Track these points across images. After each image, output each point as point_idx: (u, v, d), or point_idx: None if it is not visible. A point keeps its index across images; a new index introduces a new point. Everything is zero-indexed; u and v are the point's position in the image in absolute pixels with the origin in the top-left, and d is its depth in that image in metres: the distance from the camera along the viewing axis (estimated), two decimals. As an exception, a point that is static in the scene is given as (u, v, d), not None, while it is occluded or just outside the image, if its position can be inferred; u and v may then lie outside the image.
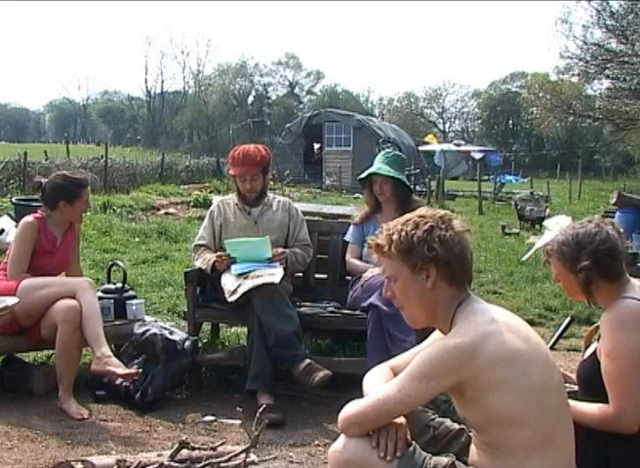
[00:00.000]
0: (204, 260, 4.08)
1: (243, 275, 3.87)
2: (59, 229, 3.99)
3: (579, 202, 22.54)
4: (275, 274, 3.84)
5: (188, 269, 4.19)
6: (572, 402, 2.11)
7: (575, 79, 29.67)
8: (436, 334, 2.07)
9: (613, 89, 25.77)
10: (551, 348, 2.55)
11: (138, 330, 3.93)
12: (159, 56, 78.66)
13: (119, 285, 4.36)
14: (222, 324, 4.76)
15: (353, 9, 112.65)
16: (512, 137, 56.37)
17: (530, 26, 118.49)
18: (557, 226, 3.19)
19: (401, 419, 1.91)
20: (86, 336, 3.61)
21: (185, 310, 4.34)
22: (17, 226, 4.48)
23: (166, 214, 13.38)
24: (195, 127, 59.99)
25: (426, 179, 22.06)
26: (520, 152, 49.12)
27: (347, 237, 4.35)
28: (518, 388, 1.82)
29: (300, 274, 4.47)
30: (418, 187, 20.47)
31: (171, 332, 3.90)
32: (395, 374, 1.98)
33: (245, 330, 4.17)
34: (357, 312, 3.95)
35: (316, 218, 7.17)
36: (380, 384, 1.98)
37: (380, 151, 5.19)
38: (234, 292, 3.80)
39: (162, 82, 61.82)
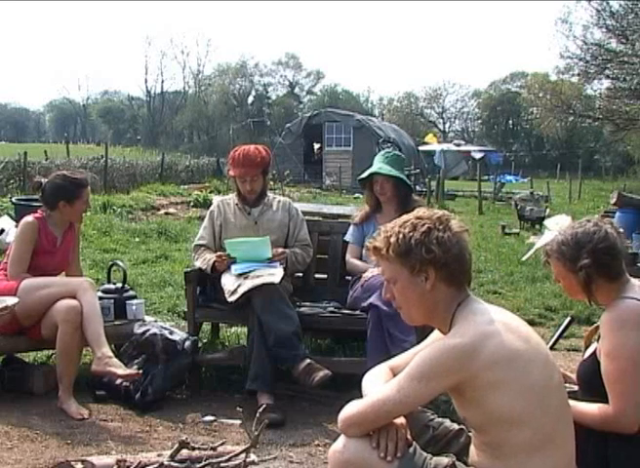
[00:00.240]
0: (204, 260, 4.08)
1: (243, 275, 3.87)
2: (59, 229, 3.99)
3: (579, 202, 22.54)
4: (275, 274, 3.84)
5: (188, 269, 4.19)
6: (572, 402, 2.11)
7: (575, 79, 29.64)
8: (436, 334, 2.07)
9: (613, 89, 25.75)
10: (551, 348, 2.55)
11: (138, 330, 3.94)
12: (159, 56, 78.90)
13: (119, 285, 4.36)
14: (222, 324, 4.76)
15: (353, 9, 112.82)
16: (512, 137, 56.35)
17: (530, 26, 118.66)
18: (557, 226, 3.18)
19: (401, 420, 1.91)
20: (86, 337, 3.61)
21: (185, 310, 4.35)
22: (17, 226, 4.48)
23: (166, 213, 13.38)
24: (195, 127, 59.97)
25: (426, 179, 22.06)
26: (520, 152, 49.09)
27: (347, 237, 4.35)
28: (518, 388, 1.82)
29: (300, 274, 4.47)
30: (418, 187, 20.45)
31: (171, 332, 3.90)
32: (395, 375, 1.98)
33: (245, 330, 4.17)
34: (357, 312, 3.95)
35: (316, 218, 7.18)
36: (380, 384, 1.98)
37: (379, 151, 5.19)
38: (234, 291, 3.80)
39: (162, 82, 61.91)
